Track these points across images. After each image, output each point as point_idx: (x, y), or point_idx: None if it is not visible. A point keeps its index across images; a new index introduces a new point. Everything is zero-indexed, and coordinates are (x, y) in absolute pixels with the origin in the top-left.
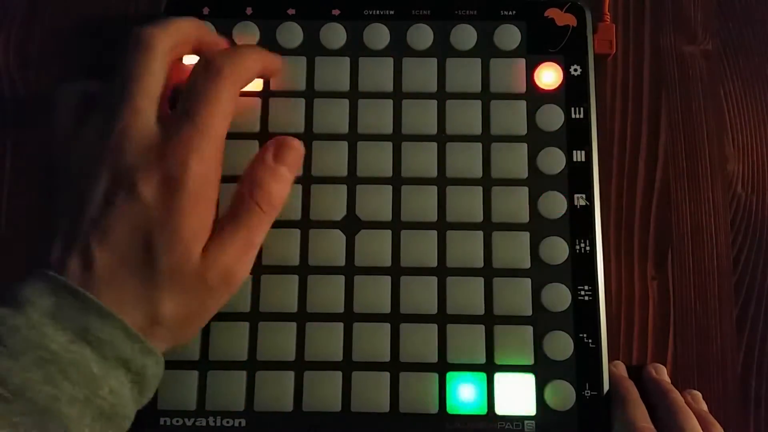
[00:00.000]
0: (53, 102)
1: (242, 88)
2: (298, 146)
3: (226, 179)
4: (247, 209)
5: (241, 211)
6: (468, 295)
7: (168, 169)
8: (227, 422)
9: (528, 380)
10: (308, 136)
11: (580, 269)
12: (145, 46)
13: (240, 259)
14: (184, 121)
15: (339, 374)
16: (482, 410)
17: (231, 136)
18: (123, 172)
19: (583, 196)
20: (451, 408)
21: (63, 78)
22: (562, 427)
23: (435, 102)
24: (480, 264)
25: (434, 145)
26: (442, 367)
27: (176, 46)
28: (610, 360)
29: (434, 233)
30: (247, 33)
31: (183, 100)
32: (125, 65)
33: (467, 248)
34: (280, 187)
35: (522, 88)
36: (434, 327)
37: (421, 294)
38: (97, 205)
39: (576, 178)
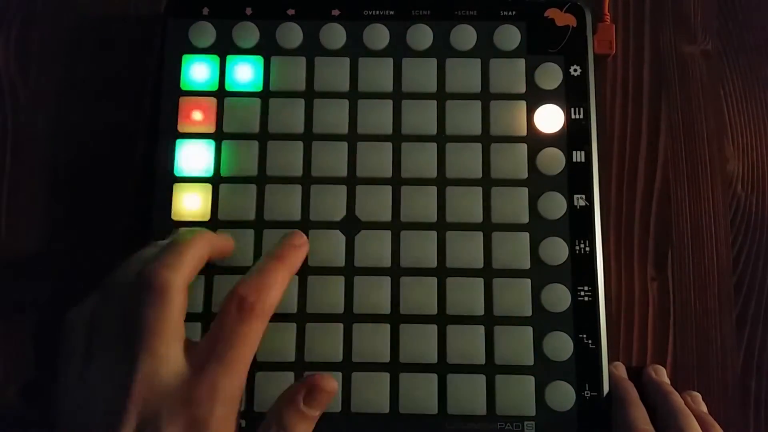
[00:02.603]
0: (61, 332)
1: (270, 316)
2: (332, 388)
3: (225, 179)
4: None
5: None
6: (468, 295)
7: (194, 412)
8: None
9: (528, 381)
10: (308, 136)
11: (580, 270)
12: (158, 292)
13: None
14: (213, 362)
15: (339, 375)
16: (482, 410)
17: (231, 136)
18: (148, 422)
19: (583, 196)
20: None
21: (63, 78)
22: (561, 427)
23: (435, 102)
24: (480, 265)
25: (434, 145)
26: (442, 367)
27: (191, 277)
28: (610, 360)
29: (434, 234)
30: (247, 33)
31: (212, 337)
32: (140, 314)
33: (467, 249)
34: (307, 427)
35: (522, 88)
36: (434, 328)
37: (421, 295)
38: None
39: (576, 179)
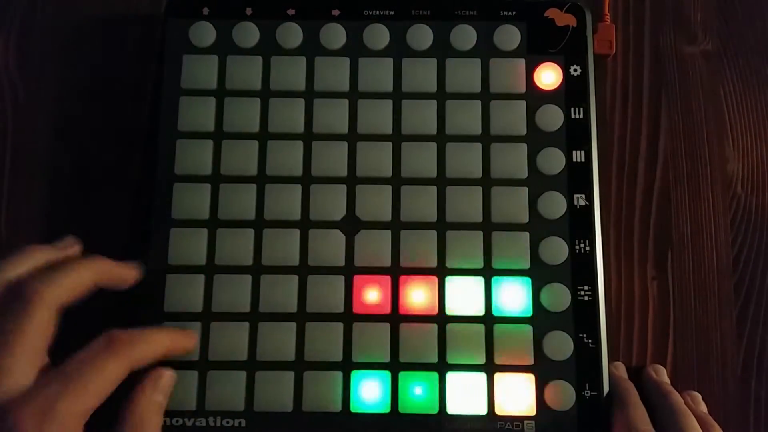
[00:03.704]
0: None
1: (132, 369)
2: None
3: (226, 179)
4: None
5: None
6: (468, 295)
7: (18, 425)
8: (227, 422)
9: (528, 380)
10: (308, 136)
11: (580, 269)
12: (23, 303)
13: None
14: (55, 383)
15: (339, 374)
16: (482, 410)
17: (231, 136)
18: None
19: (583, 196)
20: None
21: (63, 78)
22: (561, 427)
23: (435, 102)
24: (480, 264)
25: (434, 145)
26: (442, 367)
27: (66, 299)
28: (610, 360)
29: (434, 233)
30: (247, 33)
31: (68, 361)
32: (2, 319)
33: (467, 248)
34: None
35: (522, 88)
36: (434, 327)
37: (422, 295)
38: None
39: (576, 178)
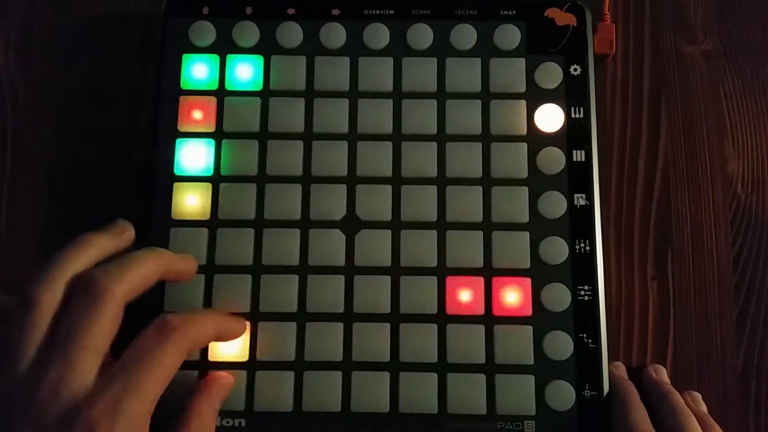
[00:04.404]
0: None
1: (190, 353)
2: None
3: (226, 179)
4: None
5: None
6: (468, 295)
7: (91, 429)
8: (227, 422)
9: (528, 381)
10: (308, 136)
11: (580, 269)
12: (91, 298)
13: None
14: (118, 380)
15: (339, 374)
16: (482, 410)
17: (231, 135)
18: (46, 427)
19: (583, 196)
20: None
21: (63, 78)
22: (562, 427)
23: (435, 102)
24: (480, 264)
25: (434, 145)
26: (442, 367)
27: (133, 293)
28: (610, 360)
29: (434, 233)
30: (247, 33)
31: (126, 353)
32: (70, 315)
33: (467, 248)
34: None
35: (522, 87)
36: (434, 327)
37: (422, 294)
38: None
39: (576, 178)
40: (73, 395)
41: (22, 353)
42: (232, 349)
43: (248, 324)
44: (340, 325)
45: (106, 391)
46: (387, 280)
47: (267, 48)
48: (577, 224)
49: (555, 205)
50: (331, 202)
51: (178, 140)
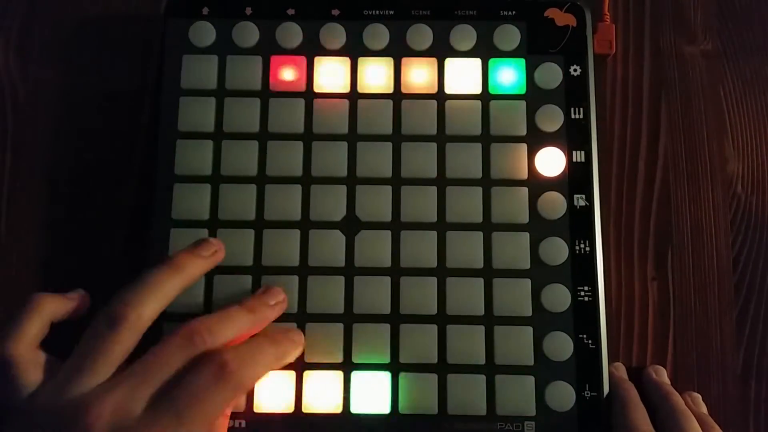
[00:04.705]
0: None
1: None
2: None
3: (226, 180)
4: None
5: None
6: (468, 295)
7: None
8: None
9: (528, 381)
10: (308, 136)
11: (580, 270)
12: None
13: None
14: (170, 415)
15: (339, 374)
16: (482, 410)
17: (231, 136)
18: None
19: (583, 196)
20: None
21: (63, 78)
22: (562, 428)
23: (434, 103)
24: (480, 265)
25: (434, 145)
26: (442, 368)
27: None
28: (610, 360)
29: (434, 234)
30: (247, 33)
31: (178, 391)
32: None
33: (467, 249)
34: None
35: (522, 89)
36: (434, 328)
37: (421, 295)
38: None
39: (576, 179)
40: (124, 422)
41: (98, 363)
42: None
43: (304, 339)
44: (341, 326)
45: (156, 426)
46: (387, 280)
47: (267, 48)
48: (577, 225)
49: (555, 205)
50: (331, 202)
51: (178, 140)
